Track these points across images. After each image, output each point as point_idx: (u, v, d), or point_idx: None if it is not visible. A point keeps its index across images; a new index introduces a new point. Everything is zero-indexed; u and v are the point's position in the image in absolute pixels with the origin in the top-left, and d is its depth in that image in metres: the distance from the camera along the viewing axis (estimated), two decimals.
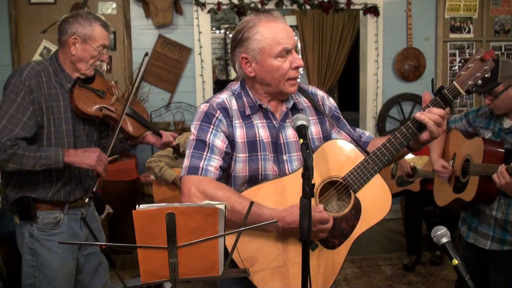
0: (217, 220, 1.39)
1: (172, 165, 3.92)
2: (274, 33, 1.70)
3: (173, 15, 5.02)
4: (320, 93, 1.95)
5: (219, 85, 7.00)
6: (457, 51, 5.64)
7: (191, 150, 1.73)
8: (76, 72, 2.32)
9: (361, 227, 1.74)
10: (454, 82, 1.74)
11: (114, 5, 4.97)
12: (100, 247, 1.44)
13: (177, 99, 5.17)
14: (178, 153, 2.76)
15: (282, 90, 1.77)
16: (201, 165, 1.68)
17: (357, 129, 2.02)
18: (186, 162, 1.72)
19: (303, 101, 1.88)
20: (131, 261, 4.24)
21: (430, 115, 1.67)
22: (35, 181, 2.28)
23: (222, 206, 1.39)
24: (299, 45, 6.24)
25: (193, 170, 1.68)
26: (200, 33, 5.10)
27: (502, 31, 5.72)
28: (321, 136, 1.86)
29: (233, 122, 1.76)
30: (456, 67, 5.62)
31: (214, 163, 1.69)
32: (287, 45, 1.71)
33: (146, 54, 2.66)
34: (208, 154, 1.70)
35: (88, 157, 2.26)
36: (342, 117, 1.97)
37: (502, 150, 2.50)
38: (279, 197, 1.70)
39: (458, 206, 2.75)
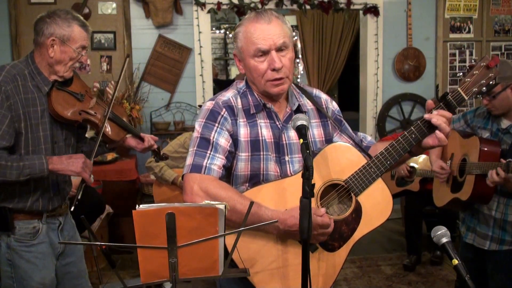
0: (217, 220, 1.40)
1: (172, 165, 3.91)
2: (250, 33, 1.71)
3: (173, 15, 5.02)
4: (324, 97, 1.95)
5: (217, 84, 7.02)
6: (457, 51, 5.64)
7: (195, 148, 1.72)
8: (53, 75, 2.21)
9: (361, 231, 1.74)
10: (459, 89, 1.71)
11: (114, 5, 4.97)
12: (101, 247, 1.45)
13: (177, 99, 5.18)
14: (159, 156, 2.65)
15: (265, 91, 1.77)
16: (204, 164, 1.68)
17: (359, 133, 2.01)
18: (189, 159, 1.71)
19: (307, 104, 1.89)
20: (131, 261, 4.24)
21: (441, 118, 1.64)
22: (12, 191, 2.16)
23: (222, 206, 1.39)
24: (299, 45, 6.23)
25: (196, 168, 1.68)
26: (200, 33, 5.10)
27: (502, 31, 5.72)
28: (323, 139, 1.86)
29: (238, 121, 1.76)
30: (457, 69, 5.62)
31: (217, 162, 1.69)
32: (262, 46, 1.69)
33: (128, 56, 2.59)
34: (211, 153, 1.70)
35: (73, 164, 2.14)
36: (344, 121, 1.97)
37: (498, 148, 2.50)
38: (280, 198, 1.70)
39: (456, 206, 2.75)
